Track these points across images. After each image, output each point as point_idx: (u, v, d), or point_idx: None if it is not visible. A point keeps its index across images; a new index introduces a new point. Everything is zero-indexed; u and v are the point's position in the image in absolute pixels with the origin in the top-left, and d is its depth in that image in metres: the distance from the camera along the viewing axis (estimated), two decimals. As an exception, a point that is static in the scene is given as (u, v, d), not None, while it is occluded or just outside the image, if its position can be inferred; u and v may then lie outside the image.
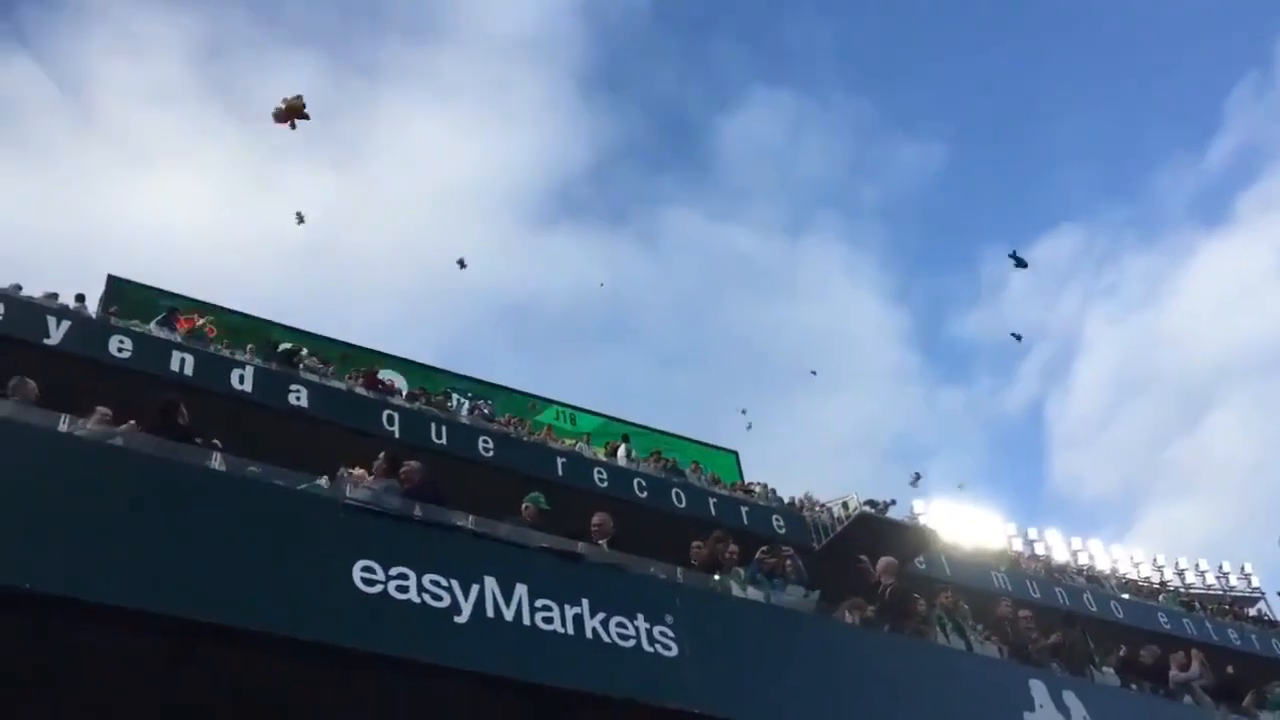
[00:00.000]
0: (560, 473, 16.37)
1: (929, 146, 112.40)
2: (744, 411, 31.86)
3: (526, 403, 25.88)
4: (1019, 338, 26.60)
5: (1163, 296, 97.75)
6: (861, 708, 8.23)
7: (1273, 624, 26.00)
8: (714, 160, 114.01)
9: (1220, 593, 32.16)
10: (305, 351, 18.76)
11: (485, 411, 20.55)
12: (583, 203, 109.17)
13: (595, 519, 8.83)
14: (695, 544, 9.97)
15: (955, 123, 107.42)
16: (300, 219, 19.20)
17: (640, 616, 7.40)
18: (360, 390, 17.06)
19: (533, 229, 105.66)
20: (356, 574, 6.42)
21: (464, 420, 17.97)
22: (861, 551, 16.10)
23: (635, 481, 17.19)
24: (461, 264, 20.62)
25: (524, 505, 8.95)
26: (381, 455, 9.06)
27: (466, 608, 6.69)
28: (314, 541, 6.57)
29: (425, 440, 15.40)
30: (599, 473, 16.88)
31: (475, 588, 6.82)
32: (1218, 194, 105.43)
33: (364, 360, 21.71)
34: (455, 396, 22.13)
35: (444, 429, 16.06)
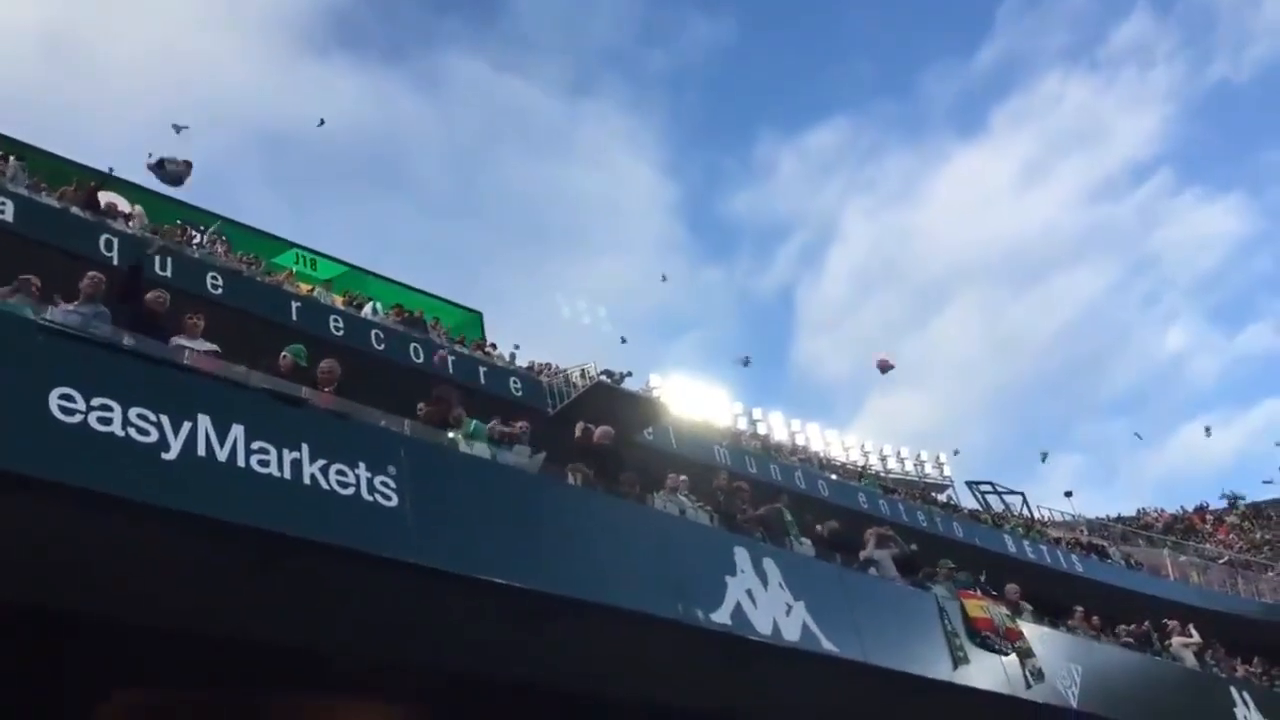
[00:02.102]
0: (294, 317, 15.81)
1: (720, 22, 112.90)
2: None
3: (267, 243, 24.72)
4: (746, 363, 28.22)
5: (915, 196, 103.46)
6: (577, 564, 8.50)
7: (956, 509, 28.62)
8: (503, 6, 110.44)
9: (916, 479, 35.08)
10: (13, 160, 17.04)
11: (219, 247, 19.43)
12: (359, 32, 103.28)
13: (322, 365, 8.60)
14: (422, 405, 9.89)
15: (746, 1, 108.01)
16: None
17: (362, 465, 7.30)
18: (77, 211, 15.74)
19: (300, 53, 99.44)
20: (53, 402, 5.99)
21: (192, 254, 16.96)
22: (594, 418, 16.54)
23: (373, 333, 16.85)
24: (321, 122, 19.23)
25: (282, 355, 8.64)
26: (90, 276, 8.35)
27: (176, 445, 6.39)
28: (4, 364, 6.06)
29: (148, 270, 14.44)
30: (335, 320, 16.42)
31: (187, 425, 6.51)
32: (977, 103, 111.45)
33: (90, 179, 19.90)
34: (190, 230, 20.76)
35: (169, 260, 15.11)
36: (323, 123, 25.51)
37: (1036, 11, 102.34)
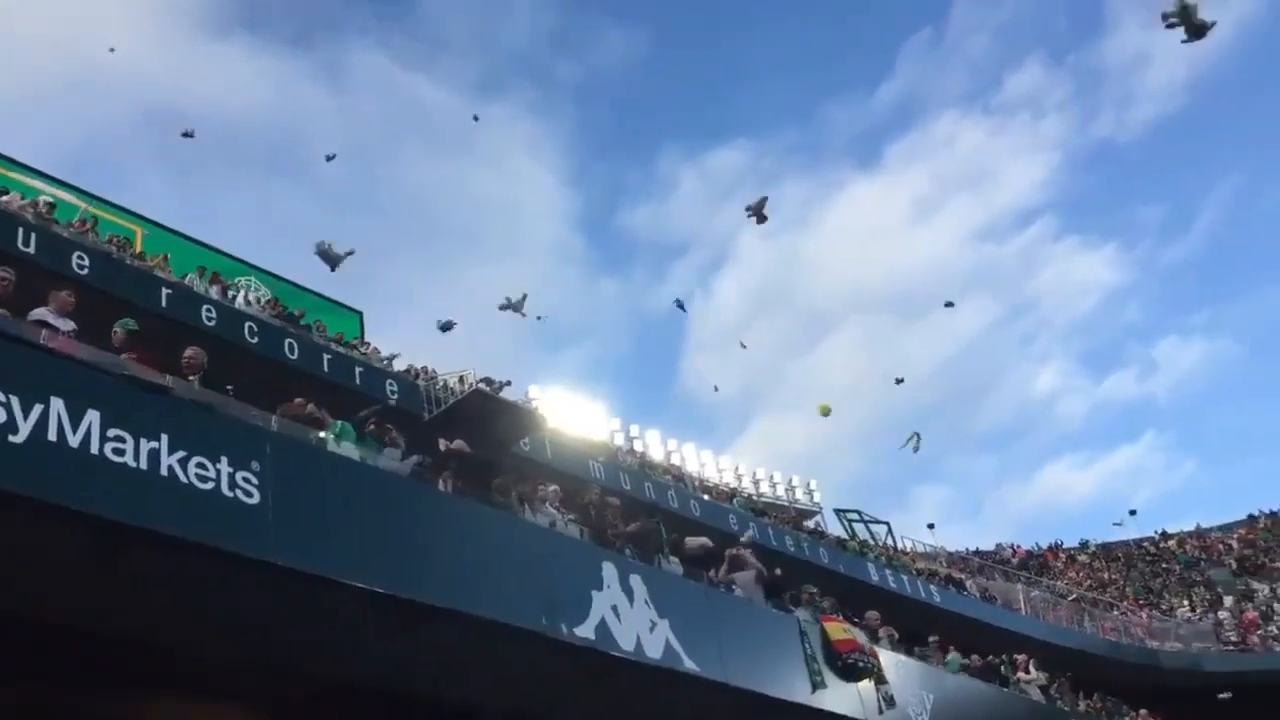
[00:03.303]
0: (164, 303, 15.28)
1: (634, 37, 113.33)
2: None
3: (145, 227, 23.90)
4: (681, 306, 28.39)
5: (810, 223, 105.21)
6: (442, 571, 8.39)
7: (823, 535, 29.11)
8: (415, 1, 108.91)
9: (786, 503, 35.59)
10: None
11: (88, 226, 18.67)
12: (264, 14, 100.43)
13: (187, 351, 8.32)
14: (295, 401, 9.64)
15: (662, 16, 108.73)
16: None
17: (224, 460, 7.08)
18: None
19: (200, 30, 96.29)
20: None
21: (62, 232, 16.26)
22: (470, 425, 16.39)
23: (246, 325, 16.39)
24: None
25: (114, 330, 8.30)
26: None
27: (25, 427, 6.11)
28: None
29: (10, 245, 13.82)
30: (208, 310, 15.92)
31: (39, 408, 6.24)
32: (874, 138, 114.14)
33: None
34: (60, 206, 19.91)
35: (33, 236, 14.47)
36: (331, 158, 25.63)
37: (936, 54, 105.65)
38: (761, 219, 19.09)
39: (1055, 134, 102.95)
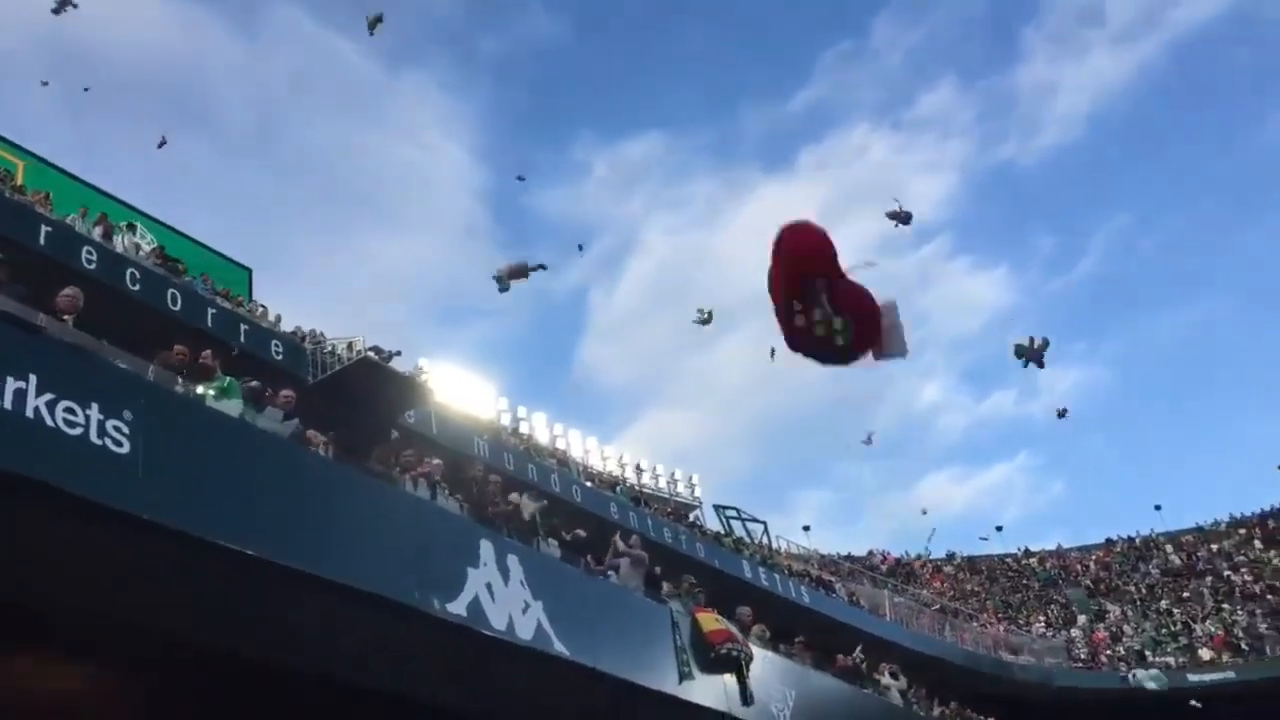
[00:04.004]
0: (43, 241, 14.63)
1: (557, 18, 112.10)
2: None
3: (28, 161, 22.90)
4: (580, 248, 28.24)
5: (717, 221, 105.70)
6: (315, 537, 8.21)
7: (701, 530, 29.36)
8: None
9: (668, 496, 35.83)
10: None
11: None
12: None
13: (65, 291, 7.99)
14: (175, 349, 9.33)
15: (587, 1, 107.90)
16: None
17: (95, 406, 6.81)
18: None
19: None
20: None
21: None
22: (357, 393, 16.11)
23: (129, 271, 15.79)
24: None
25: None
26: None
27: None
28: None
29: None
30: (89, 252, 15.30)
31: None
32: (786, 142, 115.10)
33: None
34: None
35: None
36: (522, 179, 25.64)
37: (854, 66, 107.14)
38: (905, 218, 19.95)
39: (960, 155, 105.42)
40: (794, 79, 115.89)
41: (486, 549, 9.75)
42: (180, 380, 8.59)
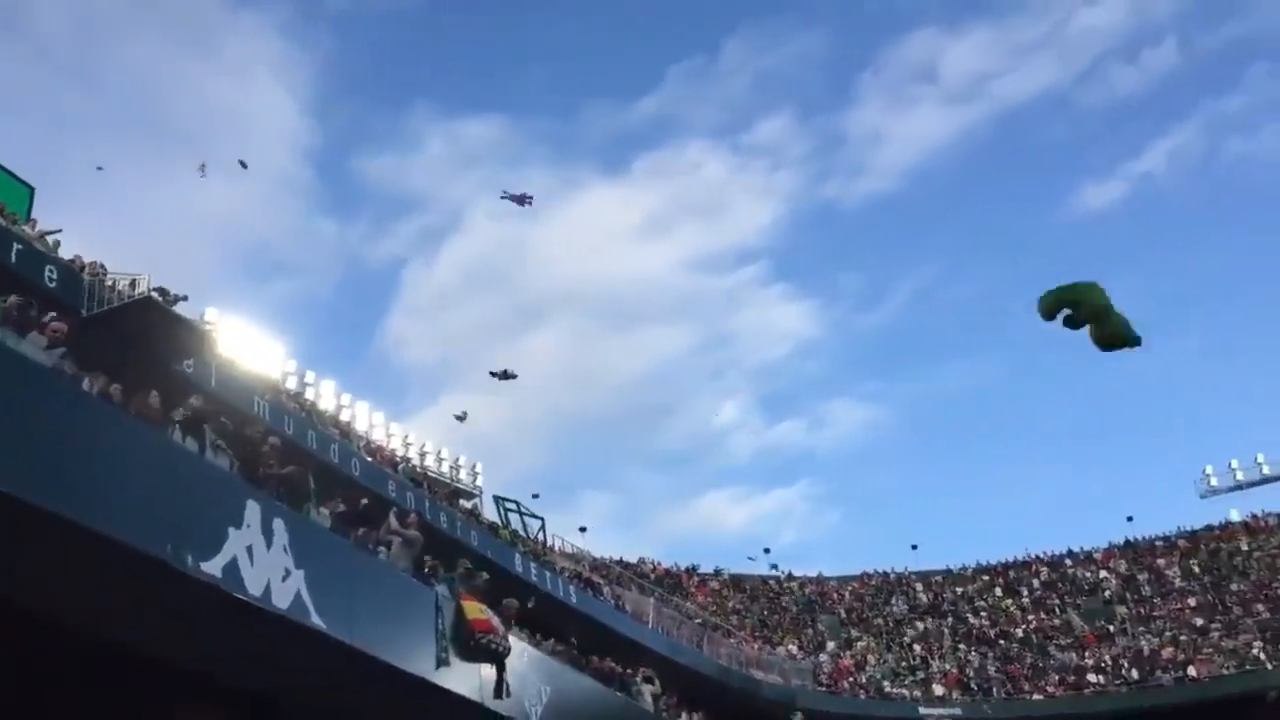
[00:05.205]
0: None
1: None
2: None
3: None
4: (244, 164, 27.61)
5: (544, 214, 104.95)
6: (69, 474, 7.68)
7: (478, 519, 29.15)
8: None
9: (449, 480, 35.40)
10: None
11: None
12: None
13: None
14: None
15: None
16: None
17: None
18: None
19: None
20: None
21: None
22: (135, 334, 15.23)
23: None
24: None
25: None
26: None
27: None
28: None
29: None
30: None
31: None
32: (624, 147, 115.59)
33: None
34: None
35: None
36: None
37: (701, 83, 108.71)
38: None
39: (788, 186, 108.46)
40: (641, 85, 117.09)
41: (252, 511, 9.34)
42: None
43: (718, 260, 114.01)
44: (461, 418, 21.18)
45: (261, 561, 9.18)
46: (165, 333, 16.17)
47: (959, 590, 44.80)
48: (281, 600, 9.31)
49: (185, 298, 18.20)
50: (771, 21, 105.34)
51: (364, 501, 13.44)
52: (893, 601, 44.61)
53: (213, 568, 8.62)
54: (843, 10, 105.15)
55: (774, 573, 46.01)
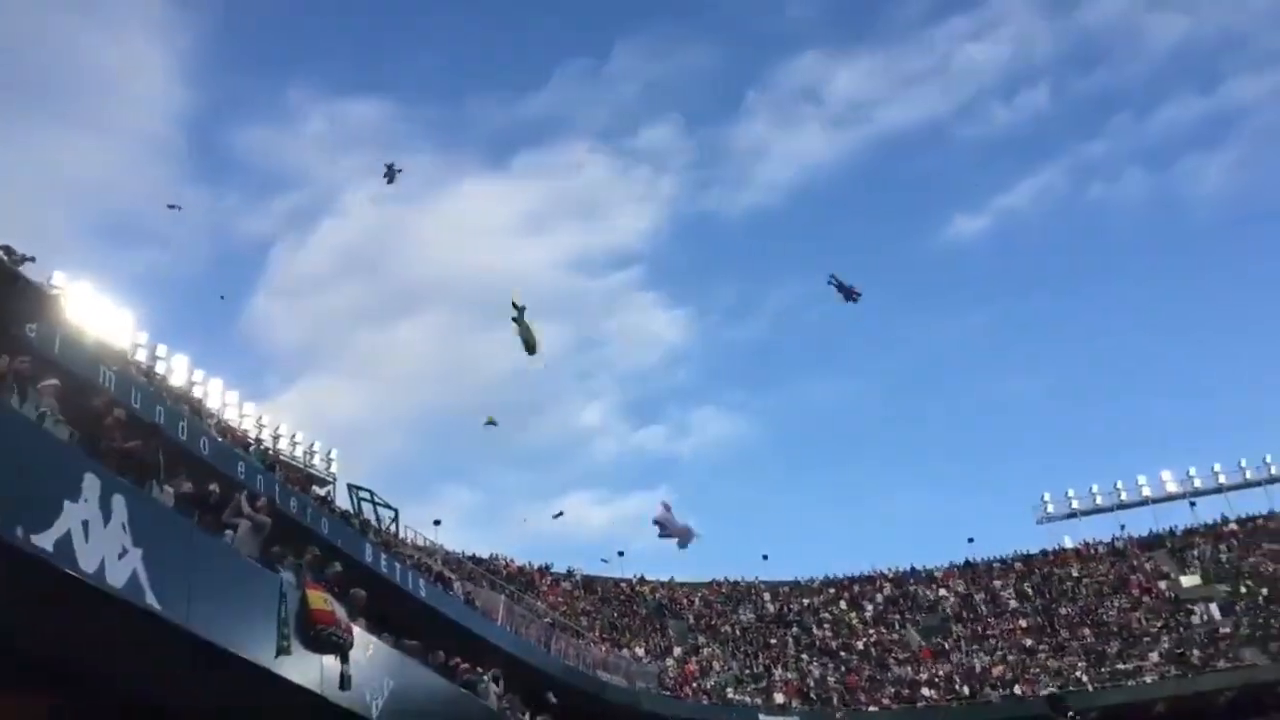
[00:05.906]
0: None
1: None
2: None
3: None
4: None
5: (425, 202, 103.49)
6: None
7: (330, 506, 28.54)
8: None
9: (302, 466, 34.63)
10: None
11: None
12: None
13: None
14: None
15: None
16: None
17: None
18: None
19: None
20: None
21: None
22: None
23: None
24: None
25: None
26: None
27: None
28: None
29: None
30: None
31: None
32: (508, 141, 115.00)
33: None
34: None
35: None
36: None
37: (589, 84, 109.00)
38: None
39: (669, 193, 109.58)
40: (529, 80, 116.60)
41: (91, 484, 8.92)
42: None
43: (594, 262, 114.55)
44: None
45: (98, 538, 8.77)
46: (7, 293, 15.42)
47: (805, 602, 45.81)
48: (116, 579, 8.92)
49: (32, 258, 17.40)
50: (664, 30, 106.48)
51: (213, 487, 12.96)
52: (740, 609, 45.34)
53: (44, 542, 8.20)
54: (735, 25, 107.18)
55: (627, 576, 46.29)
